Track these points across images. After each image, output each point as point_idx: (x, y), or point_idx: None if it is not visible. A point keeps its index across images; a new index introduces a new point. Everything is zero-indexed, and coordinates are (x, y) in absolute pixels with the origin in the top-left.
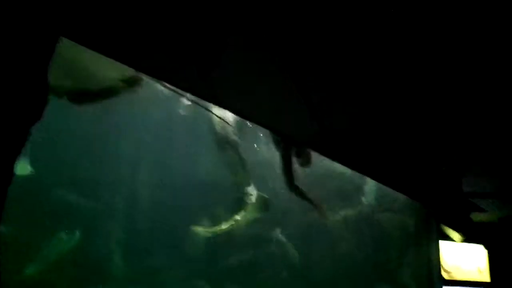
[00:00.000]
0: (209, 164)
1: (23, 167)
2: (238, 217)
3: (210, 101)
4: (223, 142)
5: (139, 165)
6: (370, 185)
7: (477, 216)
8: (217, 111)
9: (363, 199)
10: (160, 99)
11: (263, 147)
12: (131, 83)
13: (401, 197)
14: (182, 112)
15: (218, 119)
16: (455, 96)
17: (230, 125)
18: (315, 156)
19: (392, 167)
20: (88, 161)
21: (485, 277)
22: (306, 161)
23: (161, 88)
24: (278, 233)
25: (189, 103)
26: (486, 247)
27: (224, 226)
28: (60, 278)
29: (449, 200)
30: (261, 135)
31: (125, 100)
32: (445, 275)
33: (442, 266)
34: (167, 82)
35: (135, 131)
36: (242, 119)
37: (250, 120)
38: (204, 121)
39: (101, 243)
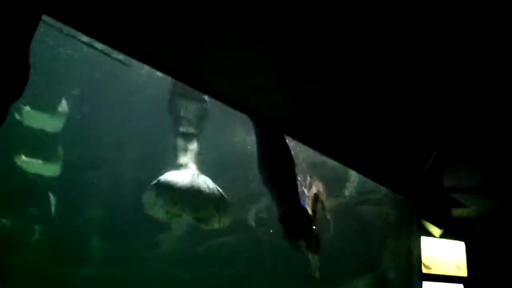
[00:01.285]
0: None
1: None
2: None
3: (191, 84)
4: None
5: None
6: (352, 176)
7: (457, 211)
8: None
9: (345, 190)
10: None
11: None
12: None
13: (383, 189)
14: None
15: None
16: (438, 92)
17: None
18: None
19: (374, 159)
20: None
21: (463, 272)
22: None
23: None
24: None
25: None
26: (464, 242)
27: None
28: None
29: (430, 194)
30: None
31: None
32: (424, 270)
33: (421, 261)
34: (148, 64)
35: None
36: None
37: (231, 106)
38: None
39: None
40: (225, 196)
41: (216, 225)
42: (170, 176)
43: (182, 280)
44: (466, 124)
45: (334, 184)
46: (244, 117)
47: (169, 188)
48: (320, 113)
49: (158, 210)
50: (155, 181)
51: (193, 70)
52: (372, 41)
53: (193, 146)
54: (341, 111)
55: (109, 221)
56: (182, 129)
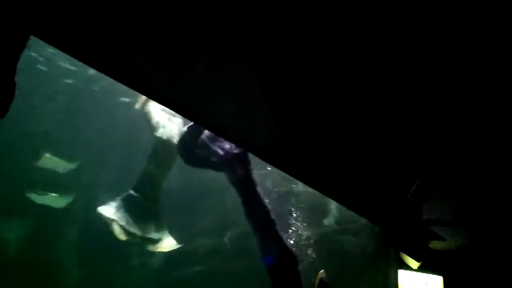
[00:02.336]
0: None
1: None
2: None
3: (175, 110)
4: None
5: None
6: (332, 206)
7: (435, 244)
8: None
9: (325, 219)
10: None
11: None
12: None
13: (362, 220)
14: None
15: None
16: (417, 126)
17: None
18: (278, 174)
19: (354, 189)
20: None
21: None
22: None
23: None
24: None
25: None
26: (442, 276)
27: None
28: None
29: (408, 226)
30: None
31: None
32: None
33: None
34: (134, 89)
35: None
36: None
37: (214, 131)
38: None
39: None
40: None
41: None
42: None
43: None
44: (445, 159)
45: (313, 214)
46: None
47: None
48: (302, 142)
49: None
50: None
51: (178, 95)
52: (354, 75)
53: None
54: (323, 141)
55: (84, 245)
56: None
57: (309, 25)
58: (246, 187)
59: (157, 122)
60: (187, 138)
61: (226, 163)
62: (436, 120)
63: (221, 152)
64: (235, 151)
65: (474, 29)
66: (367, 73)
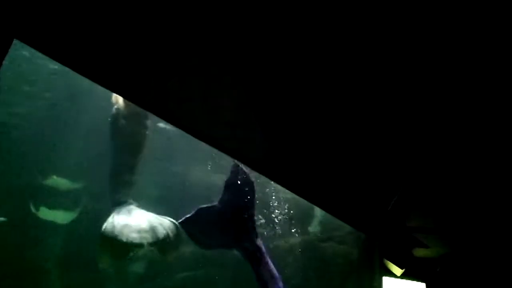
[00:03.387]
0: None
1: None
2: None
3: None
4: None
5: None
6: (316, 213)
7: (418, 252)
8: None
9: (309, 227)
10: None
11: None
12: None
13: (346, 227)
14: None
15: None
16: (402, 133)
17: None
18: (262, 180)
19: (339, 197)
20: None
21: None
22: None
23: None
24: None
25: None
26: (425, 283)
27: None
28: None
29: (392, 234)
30: None
31: None
32: None
33: None
34: (128, 99)
35: None
36: None
37: (199, 138)
38: None
39: None
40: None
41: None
42: (118, 224)
43: None
44: (429, 167)
45: (298, 221)
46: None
47: (121, 234)
48: (289, 153)
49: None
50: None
51: (169, 104)
52: (341, 90)
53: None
54: (310, 153)
55: (68, 252)
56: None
57: (292, 40)
58: (256, 257)
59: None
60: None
61: (235, 242)
62: (417, 134)
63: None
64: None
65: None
66: (353, 89)
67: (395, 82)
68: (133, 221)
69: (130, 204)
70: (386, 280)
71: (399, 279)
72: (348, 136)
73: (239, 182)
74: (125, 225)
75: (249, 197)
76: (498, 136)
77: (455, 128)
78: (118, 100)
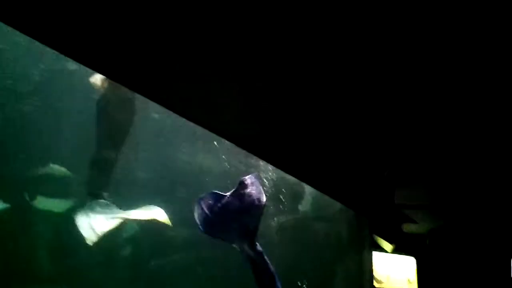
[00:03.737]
0: None
1: None
2: None
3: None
4: None
5: None
6: (307, 192)
7: (408, 227)
8: None
9: (300, 206)
10: None
11: None
12: None
13: (336, 205)
14: None
15: None
16: (392, 108)
17: None
18: (251, 160)
19: (328, 173)
20: None
21: (414, 287)
22: None
23: None
24: None
25: None
26: (415, 258)
27: None
28: None
29: (382, 210)
30: None
31: None
32: (375, 284)
33: (373, 275)
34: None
35: None
36: None
37: (187, 118)
38: None
39: None
40: None
41: None
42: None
43: None
44: (419, 142)
45: (289, 200)
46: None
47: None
48: (277, 129)
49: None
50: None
51: (157, 84)
52: (326, 62)
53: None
54: (298, 129)
55: (57, 238)
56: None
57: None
58: (254, 258)
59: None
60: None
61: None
62: (408, 108)
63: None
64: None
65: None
66: (341, 63)
67: (383, 53)
68: (95, 221)
69: (103, 198)
70: (376, 255)
71: (389, 254)
72: (338, 111)
73: (254, 188)
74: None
75: (260, 204)
76: (491, 110)
77: (445, 101)
78: (104, 84)
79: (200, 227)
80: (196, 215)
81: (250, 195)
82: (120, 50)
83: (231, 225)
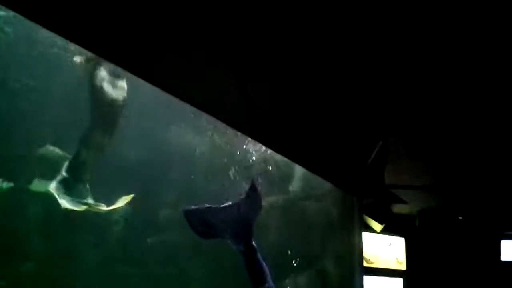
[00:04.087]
0: None
1: None
2: None
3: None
4: None
5: None
6: (297, 172)
7: (398, 208)
8: None
9: (289, 185)
10: None
11: None
12: None
13: (326, 185)
14: None
15: None
16: (382, 85)
17: None
18: (243, 140)
19: (319, 153)
20: None
21: (403, 267)
22: None
23: None
24: None
25: None
26: (404, 238)
27: None
28: None
29: (372, 190)
30: None
31: None
32: (365, 264)
33: (362, 255)
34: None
35: None
36: None
37: (176, 96)
38: None
39: None
40: None
41: None
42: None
43: (124, 276)
44: (409, 122)
45: (278, 180)
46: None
47: None
48: (265, 108)
49: None
50: None
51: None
52: (314, 41)
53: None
54: (286, 106)
55: (47, 218)
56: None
57: None
58: (248, 257)
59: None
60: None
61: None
62: (399, 83)
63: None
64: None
65: None
66: (331, 35)
67: (376, 22)
68: None
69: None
70: (366, 235)
71: (378, 235)
72: (328, 89)
73: (253, 196)
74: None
75: (256, 210)
76: (488, 89)
77: (435, 79)
78: (93, 63)
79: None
80: (189, 223)
81: (247, 202)
82: (107, 24)
83: (227, 231)
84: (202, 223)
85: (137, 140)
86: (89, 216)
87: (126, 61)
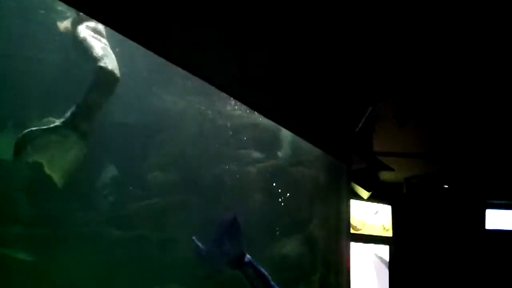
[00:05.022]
0: None
1: None
2: None
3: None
4: None
5: None
6: (285, 137)
7: (385, 176)
8: None
9: (278, 151)
10: None
11: None
12: None
13: (315, 151)
14: None
15: None
16: (372, 50)
17: None
18: (232, 106)
19: (308, 118)
20: None
21: (389, 234)
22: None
23: None
24: None
25: None
26: (391, 206)
27: None
28: None
29: (360, 156)
30: None
31: None
32: (352, 230)
33: (349, 222)
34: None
35: None
36: None
37: (169, 60)
38: None
39: None
40: None
41: None
42: None
43: (113, 239)
44: (398, 88)
45: (267, 145)
46: None
47: None
48: (256, 72)
49: None
50: None
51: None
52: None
53: None
54: (277, 71)
55: (39, 181)
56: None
57: None
58: (246, 271)
59: (99, 52)
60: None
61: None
62: (389, 48)
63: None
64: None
65: None
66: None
67: None
68: None
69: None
70: (353, 203)
71: (366, 202)
72: (318, 55)
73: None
74: None
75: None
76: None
77: (424, 43)
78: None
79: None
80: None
81: (233, 237)
82: None
83: (223, 262)
84: (210, 261)
85: (128, 104)
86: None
87: (121, 25)
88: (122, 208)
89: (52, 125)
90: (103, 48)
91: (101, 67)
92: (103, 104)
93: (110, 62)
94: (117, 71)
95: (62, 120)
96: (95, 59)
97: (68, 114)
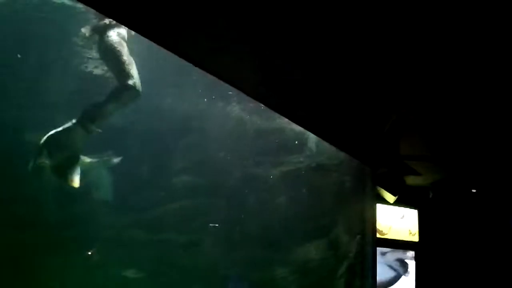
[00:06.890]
0: None
1: None
2: None
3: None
4: None
5: None
6: (310, 141)
7: (411, 180)
8: None
9: (303, 155)
10: None
11: None
12: None
13: (340, 155)
14: None
15: None
16: (396, 62)
17: None
18: (258, 109)
19: (334, 122)
20: None
21: (415, 238)
22: None
23: None
24: None
25: None
26: (417, 210)
27: None
28: None
29: (386, 160)
30: None
31: None
32: (378, 235)
33: (375, 226)
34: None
35: None
36: None
37: (194, 64)
38: None
39: None
40: None
41: None
42: None
43: (137, 243)
44: (423, 94)
45: (292, 149)
46: None
47: None
48: (282, 77)
49: None
50: None
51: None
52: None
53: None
54: (303, 76)
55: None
56: None
57: None
58: None
59: (125, 67)
60: None
61: None
62: (414, 57)
63: None
64: None
65: None
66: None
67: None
68: None
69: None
70: (379, 207)
71: (392, 206)
72: (344, 58)
73: None
74: None
75: None
76: (496, 61)
77: (452, 50)
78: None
79: None
80: None
81: None
82: None
83: None
84: None
85: (153, 108)
86: None
87: (146, 28)
88: (146, 211)
89: (67, 126)
90: (127, 58)
91: (126, 85)
92: (115, 112)
93: (135, 76)
94: (139, 87)
95: (74, 121)
96: (120, 73)
97: (81, 115)
